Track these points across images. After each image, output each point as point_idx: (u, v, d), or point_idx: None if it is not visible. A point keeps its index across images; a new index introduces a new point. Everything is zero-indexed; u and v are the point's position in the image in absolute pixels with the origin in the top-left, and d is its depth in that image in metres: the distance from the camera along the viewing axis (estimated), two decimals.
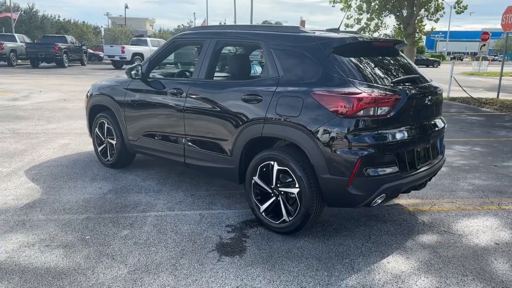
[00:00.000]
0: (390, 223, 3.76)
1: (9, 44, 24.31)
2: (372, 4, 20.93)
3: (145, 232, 3.47)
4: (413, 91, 3.39)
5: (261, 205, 3.53)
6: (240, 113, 3.59)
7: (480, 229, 3.67)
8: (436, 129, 3.71)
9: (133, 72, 4.48)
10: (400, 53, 3.96)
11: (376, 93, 3.07)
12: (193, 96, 3.98)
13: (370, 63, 3.47)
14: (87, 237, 3.36)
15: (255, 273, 2.89)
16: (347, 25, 21.64)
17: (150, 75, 4.63)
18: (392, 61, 3.71)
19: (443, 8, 20.56)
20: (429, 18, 20.83)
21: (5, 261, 2.96)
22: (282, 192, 3.40)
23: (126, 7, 52.34)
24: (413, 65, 3.91)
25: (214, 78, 4.21)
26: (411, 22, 20.43)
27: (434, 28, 21.10)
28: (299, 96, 3.23)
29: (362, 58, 3.43)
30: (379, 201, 3.22)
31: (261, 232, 3.51)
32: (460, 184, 4.86)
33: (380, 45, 3.81)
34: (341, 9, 21.64)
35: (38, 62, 24.75)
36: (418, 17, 20.73)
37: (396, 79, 3.43)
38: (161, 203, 4.09)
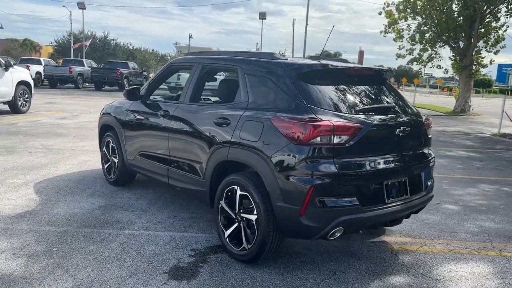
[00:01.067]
0: (365, 260, 3.51)
1: (77, 68, 26.40)
2: (426, 35, 20.33)
3: (110, 249, 3.52)
4: (381, 121, 3.22)
5: (226, 231, 3.46)
6: (211, 136, 3.60)
7: (464, 276, 3.31)
8: (416, 162, 3.46)
9: (130, 94, 4.67)
10: (387, 82, 3.78)
11: (334, 121, 2.94)
12: (176, 118, 4.06)
13: (340, 90, 3.34)
14: (54, 249, 3.47)
15: None
16: (399, 56, 21.14)
17: (151, 97, 4.80)
18: (369, 90, 3.55)
19: (503, 39, 19.45)
20: (488, 50, 19.80)
21: None
22: (244, 218, 3.32)
23: (190, 36, 55.32)
24: (396, 94, 3.71)
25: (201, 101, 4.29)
26: (468, 54, 19.56)
27: (493, 60, 19.95)
28: (260, 121, 3.18)
29: (332, 85, 3.33)
30: (338, 234, 3.03)
31: (222, 259, 3.42)
32: (465, 225, 4.44)
33: (357, 73, 3.67)
34: (394, 39, 21.22)
35: (101, 86, 26.58)
36: (476, 49, 19.78)
37: (364, 108, 3.27)
38: (141, 222, 4.14)
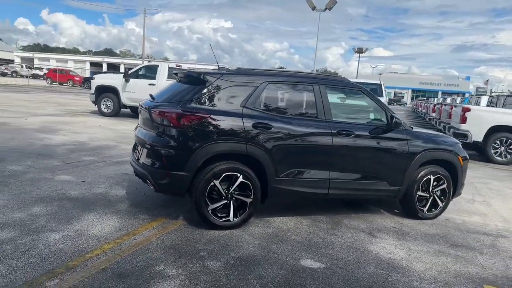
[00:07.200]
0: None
1: None
2: None
3: None
4: (141, 103, 4.80)
5: None
6: None
7: None
8: (144, 141, 4.40)
9: None
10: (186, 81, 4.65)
11: None
12: None
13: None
14: None
15: None
16: None
17: None
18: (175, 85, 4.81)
19: None
20: None
21: None
22: None
23: None
24: (184, 90, 4.46)
25: None
26: None
27: None
28: None
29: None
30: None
31: None
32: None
33: (178, 72, 4.94)
34: None
35: None
36: None
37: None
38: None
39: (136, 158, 4.57)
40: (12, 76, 48.64)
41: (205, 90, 4.27)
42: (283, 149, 4.32)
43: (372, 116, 5.06)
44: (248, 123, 4.20)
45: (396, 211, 5.43)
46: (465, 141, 10.74)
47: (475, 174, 8.86)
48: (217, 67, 4.84)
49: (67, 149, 7.76)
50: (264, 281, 3.22)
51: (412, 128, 5.23)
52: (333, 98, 5.31)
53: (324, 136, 4.51)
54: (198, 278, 3.18)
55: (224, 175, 4.14)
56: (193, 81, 4.47)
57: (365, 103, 5.06)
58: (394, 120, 4.78)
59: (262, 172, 4.29)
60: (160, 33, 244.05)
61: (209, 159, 4.10)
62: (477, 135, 10.64)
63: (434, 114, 18.72)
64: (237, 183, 4.19)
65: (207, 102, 4.22)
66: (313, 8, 26.50)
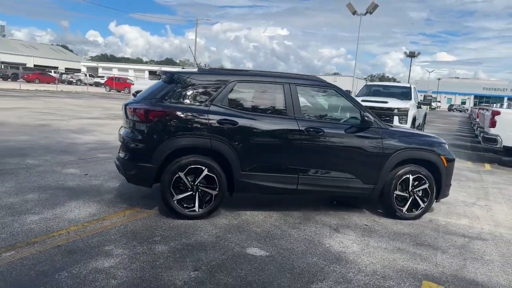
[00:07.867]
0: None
1: None
2: None
3: None
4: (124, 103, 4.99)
5: None
6: None
7: None
8: (121, 133, 4.83)
9: None
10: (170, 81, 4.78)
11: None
12: None
13: None
14: None
15: None
16: None
17: None
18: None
19: None
20: None
21: None
22: None
23: None
24: (157, 88, 4.75)
25: None
26: None
27: None
28: None
29: None
30: None
31: None
32: None
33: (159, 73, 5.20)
34: None
35: None
36: None
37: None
38: None
39: (118, 153, 4.98)
40: (76, 84, 52.40)
41: (176, 88, 4.60)
42: (248, 144, 4.53)
43: (349, 114, 5.12)
44: (214, 120, 4.45)
45: (380, 210, 5.39)
46: (494, 146, 10.22)
47: (495, 180, 8.44)
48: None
49: (88, 147, 8.45)
50: (198, 264, 3.44)
51: (390, 127, 5.22)
52: (310, 98, 5.43)
53: (292, 133, 4.65)
54: (138, 258, 3.47)
55: (189, 167, 4.42)
56: (168, 80, 4.78)
57: (341, 102, 5.12)
58: (365, 118, 4.81)
59: (228, 166, 4.52)
60: (218, 42, 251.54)
61: (175, 152, 4.40)
62: (508, 139, 10.01)
63: (478, 120, 17.85)
64: (202, 176, 4.45)
65: (177, 99, 4.53)
66: (354, 13, 26.20)
